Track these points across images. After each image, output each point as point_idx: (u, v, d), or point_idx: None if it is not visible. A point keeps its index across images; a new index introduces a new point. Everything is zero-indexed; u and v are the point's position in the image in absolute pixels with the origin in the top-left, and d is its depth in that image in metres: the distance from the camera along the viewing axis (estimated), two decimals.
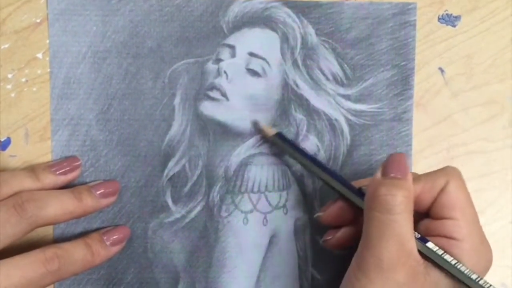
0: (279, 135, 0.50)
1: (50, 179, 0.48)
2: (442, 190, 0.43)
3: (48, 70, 0.50)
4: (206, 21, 0.50)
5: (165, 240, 0.51)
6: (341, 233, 0.47)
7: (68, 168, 0.48)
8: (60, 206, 0.46)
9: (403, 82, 0.51)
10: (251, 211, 0.51)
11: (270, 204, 0.51)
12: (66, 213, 0.46)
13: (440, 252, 0.42)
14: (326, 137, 0.51)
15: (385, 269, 0.41)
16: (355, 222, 0.46)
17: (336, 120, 0.51)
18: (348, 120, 0.51)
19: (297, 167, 0.51)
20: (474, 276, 0.42)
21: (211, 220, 0.51)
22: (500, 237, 0.52)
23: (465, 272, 0.42)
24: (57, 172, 0.48)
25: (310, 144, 0.51)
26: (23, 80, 0.50)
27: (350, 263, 0.43)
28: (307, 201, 0.51)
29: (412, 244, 0.42)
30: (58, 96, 0.50)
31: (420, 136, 0.52)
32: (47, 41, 0.50)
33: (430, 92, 0.52)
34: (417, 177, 0.44)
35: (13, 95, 0.50)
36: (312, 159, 0.48)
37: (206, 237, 0.51)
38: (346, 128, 0.51)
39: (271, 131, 0.50)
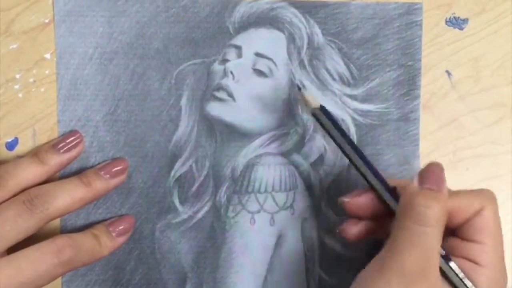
0: (323, 108, 0.46)
1: (55, 159, 0.47)
2: (478, 213, 0.43)
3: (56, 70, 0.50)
4: (212, 21, 0.51)
5: (173, 241, 0.50)
6: (362, 226, 0.46)
7: (71, 144, 0.48)
8: (68, 195, 0.46)
9: (409, 82, 0.51)
10: (258, 212, 0.51)
11: (277, 205, 0.51)
12: (76, 201, 0.46)
13: (462, 275, 0.41)
14: None
15: (407, 278, 0.40)
16: (377, 218, 0.46)
17: (342, 120, 0.51)
18: (354, 120, 0.51)
19: (304, 167, 0.51)
20: None
21: (218, 221, 0.51)
22: (508, 241, 0.52)
23: None
24: (61, 151, 0.48)
25: (317, 144, 0.51)
26: (31, 80, 0.50)
27: (367, 266, 0.42)
28: (314, 202, 0.51)
29: (436, 259, 0.41)
30: (65, 97, 0.50)
31: (427, 138, 0.52)
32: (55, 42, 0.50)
33: (437, 95, 0.52)
34: (453, 194, 0.43)
35: (20, 95, 0.50)
36: (352, 145, 0.46)
37: (213, 238, 0.51)
38: (352, 128, 0.51)
39: (314, 103, 0.47)
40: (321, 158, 0.51)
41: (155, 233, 0.50)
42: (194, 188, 0.51)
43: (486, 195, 0.43)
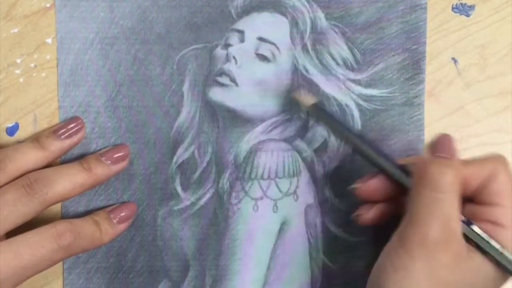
0: (318, 104, 0.48)
1: (56, 145, 0.47)
2: (491, 176, 0.43)
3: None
4: (214, 6, 0.50)
5: (175, 228, 0.50)
6: (376, 209, 0.46)
7: (72, 130, 0.48)
8: (69, 180, 0.46)
9: (414, 66, 0.51)
10: (261, 198, 0.50)
11: (280, 191, 0.50)
12: (76, 187, 0.46)
13: (486, 236, 0.42)
14: None
15: (429, 248, 0.40)
16: (391, 200, 0.46)
17: (346, 105, 0.51)
18: (358, 105, 0.51)
19: (308, 153, 0.50)
20: None
21: (221, 207, 0.50)
22: None
23: (511, 258, 0.41)
24: (62, 137, 0.48)
25: (320, 130, 0.51)
26: (32, 65, 0.49)
27: (390, 240, 0.42)
28: (318, 188, 0.51)
29: (457, 225, 0.41)
30: (66, 83, 0.49)
31: (432, 126, 0.51)
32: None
33: (443, 82, 0.51)
34: (464, 161, 0.44)
35: (21, 80, 0.49)
36: (354, 133, 0.47)
37: (216, 225, 0.50)
38: (356, 114, 0.51)
39: (310, 100, 0.48)
40: (324, 144, 0.51)
41: (157, 220, 0.50)
42: (197, 174, 0.50)
43: (498, 160, 0.44)
